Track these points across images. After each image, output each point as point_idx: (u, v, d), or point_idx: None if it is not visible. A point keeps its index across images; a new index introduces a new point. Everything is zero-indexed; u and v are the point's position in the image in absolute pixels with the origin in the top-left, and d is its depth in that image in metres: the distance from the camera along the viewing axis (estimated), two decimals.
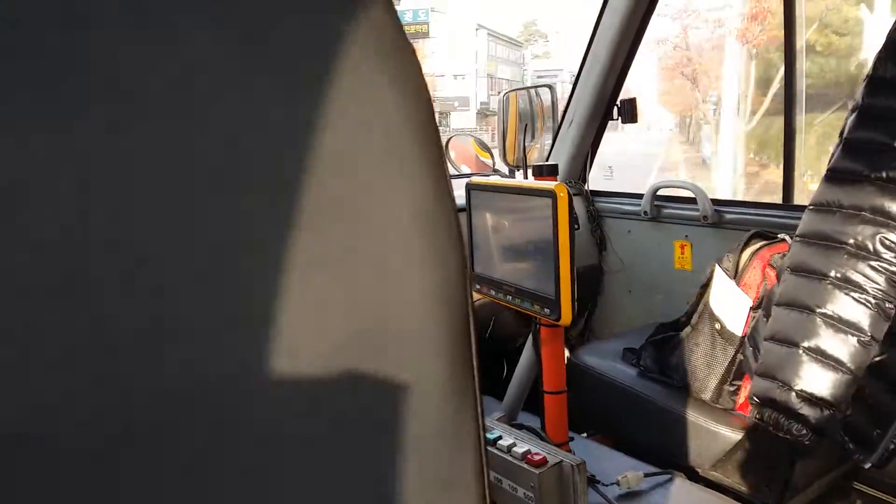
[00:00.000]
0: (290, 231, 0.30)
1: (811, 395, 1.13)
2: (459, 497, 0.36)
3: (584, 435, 1.62)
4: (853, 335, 1.11)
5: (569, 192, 0.97)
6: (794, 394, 1.14)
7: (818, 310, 1.14)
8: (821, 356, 1.13)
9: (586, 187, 2.43)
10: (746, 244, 1.47)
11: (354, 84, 0.32)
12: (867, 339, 1.10)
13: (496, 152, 2.64)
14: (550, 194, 0.96)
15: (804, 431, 1.15)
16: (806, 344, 1.14)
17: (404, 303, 0.34)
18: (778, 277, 1.28)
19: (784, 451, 1.30)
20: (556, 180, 1.07)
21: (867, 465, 1.16)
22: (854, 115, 1.18)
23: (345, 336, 0.32)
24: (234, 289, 0.29)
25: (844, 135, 1.19)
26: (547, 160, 2.49)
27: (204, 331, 0.28)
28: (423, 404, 0.35)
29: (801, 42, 2.05)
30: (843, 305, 1.12)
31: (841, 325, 1.12)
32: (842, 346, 1.11)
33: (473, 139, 2.86)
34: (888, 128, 1.12)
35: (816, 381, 1.13)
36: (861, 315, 1.10)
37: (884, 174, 1.11)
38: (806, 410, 1.14)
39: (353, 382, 0.32)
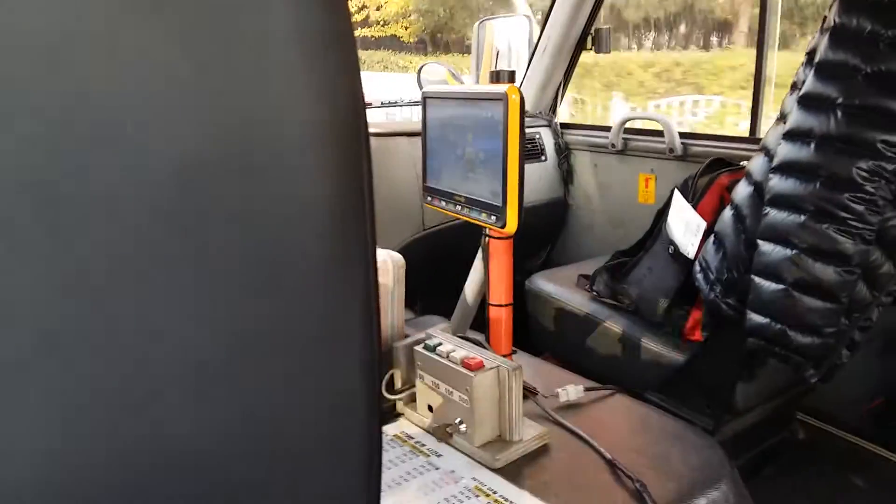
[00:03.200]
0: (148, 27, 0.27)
1: (803, 327, 1.13)
2: (342, 342, 0.34)
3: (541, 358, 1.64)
4: (837, 266, 1.09)
5: (521, 96, 0.93)
6: (787, 328, 1.15)
7: (800, 244, 1.12)
8: (808, 290, 1.12)
9: (556, 119, 2.39)
10: (706, 170, 1.46)
11: None
12: (850, 268, 1.09)
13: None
14: (501, 97, 0.93)
15: (800, 360, 1.16)
16: (792, 279, 1.13)
17: (280, 130, 0.31)
18: (732, 203, 1.27)
19: (726, 375, 1.32)
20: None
21: (813, 380, 1.18)
22: (826, 35, 1.12)
23: (206, 144, 0.29)
24: None
25: (817, 58, 1.13)
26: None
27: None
28: (302, 247, 0.32)
29: None
30: (824, 238, 1.10)
31: (823, 257, 1.10)
32: (827, 279, 1.10)
33: (446, 67, 2.80)
34: (861, 49, 1.07)
35: (806, 314, 1.13)
36: (843, 246, 1.09)
37: (856, 101, 1.06)
38: (799, 342, 1.14)
39: (208, 208, 0.29)
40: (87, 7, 0.25)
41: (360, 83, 0.33)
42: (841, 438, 1.65)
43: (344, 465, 0.34)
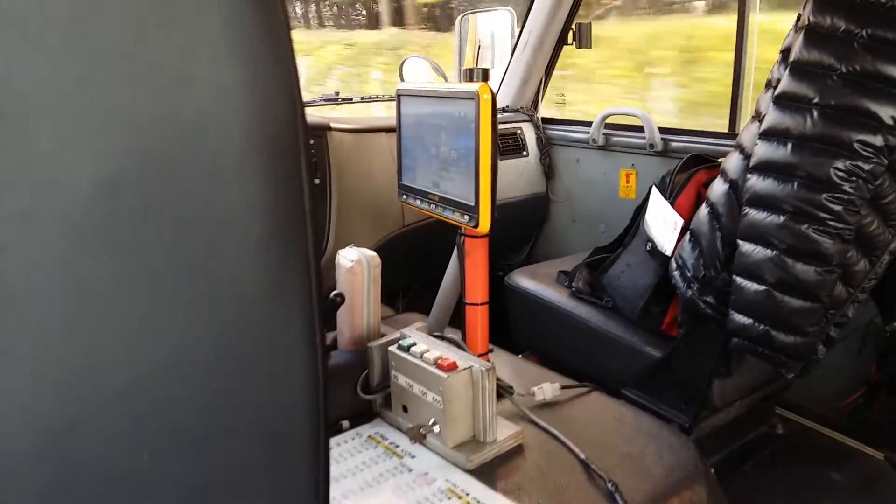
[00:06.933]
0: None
1: (786, 327, 1.14)
2: (282, 356, 0.33)
3: (520, 356, 1.63)
4: (817, 266, 1.10)
5: (493, 95, 0.92)
6: (770, 329, 1.15)
7: (780, 245, 1.12)
8: (789, 290, 1.12)
9: (537, 114, 2.39)
10: (684, 166, 1.46)
11: None
12: (830, 267, 1.09)
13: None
14: (473, 96, 0.92)
15: (784, 359, 1.17)
16: (773, 280, 1.13)
17: (212, 139, 0.30)
18: (707, 201, 1.27)
19: (703, 371, 1.32)
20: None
21: (790, 376, 1.19)
22: (800, 34, 1.11)
23: (133, 158, 0.28)
24: None
25: (791, 57, 1.12)
26: (499, 86, 2.44)
27: None
28: (239, 257, 0.31)
29: None
30: (803, 239, 1.10)
31: (804, 258, 1.10)
32: (808, 279, 1.10)
33: (428, 62, 2.78)
34: (836, 49, 1.06)
35: (789, 314, 1.13)
36: (822, 247, 1.09)
37: (832, 101, 1.06)
38: (782, 341, 1.15)
39: (142, 215, 0.28)
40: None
41: (298, 86, 0.32)
42: (820, 433, 1.67)
43: (287, 485, 0.33)
